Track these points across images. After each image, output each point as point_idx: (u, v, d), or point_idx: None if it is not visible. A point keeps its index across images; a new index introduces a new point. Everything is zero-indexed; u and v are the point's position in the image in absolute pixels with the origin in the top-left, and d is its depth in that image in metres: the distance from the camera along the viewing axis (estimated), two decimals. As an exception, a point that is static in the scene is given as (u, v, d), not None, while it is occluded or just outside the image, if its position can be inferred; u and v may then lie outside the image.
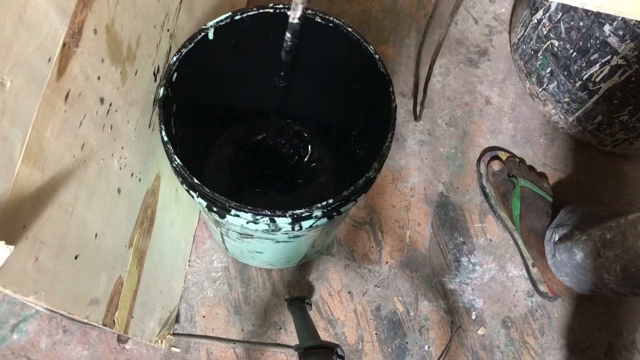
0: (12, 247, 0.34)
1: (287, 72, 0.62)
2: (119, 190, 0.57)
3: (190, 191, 0.57)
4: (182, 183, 0.58)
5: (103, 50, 0.48)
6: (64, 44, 0.41)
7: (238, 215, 0.55)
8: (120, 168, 0.57)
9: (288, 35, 0.55)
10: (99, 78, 0.48)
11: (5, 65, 0.35)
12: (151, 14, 0.58)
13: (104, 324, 0.54)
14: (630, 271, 0.64)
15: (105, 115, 0.51)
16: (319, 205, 0.54)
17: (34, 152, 0.39)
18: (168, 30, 0.64)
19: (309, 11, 0.63)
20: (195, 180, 0.55)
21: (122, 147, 0.57)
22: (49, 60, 0.40)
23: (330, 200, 0.55)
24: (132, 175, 0.60)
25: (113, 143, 0.54)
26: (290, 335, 0.83)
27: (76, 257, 0.47)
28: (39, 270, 0.40)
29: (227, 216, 0.56)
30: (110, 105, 0.52)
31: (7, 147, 0.36)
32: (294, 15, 0.52)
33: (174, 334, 0.81)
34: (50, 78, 0.40)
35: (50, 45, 0.39)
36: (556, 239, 0.78)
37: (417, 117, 0.97)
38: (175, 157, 0.56)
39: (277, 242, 0.66)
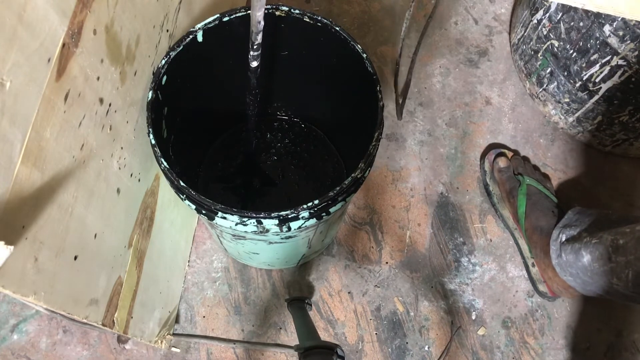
0: (12, 247, 0.34)
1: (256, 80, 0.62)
2: (118, 191, 0.57)
3: (179, 194, 0.57)
4: (171, 186, 0.58)
5: (102, 51, 0.48)
6: (63, 45, 0.41)
7: (225, 218, 0.55)
8: (120, 168, 0.57)
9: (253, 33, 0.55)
10: (98, 78, 0.48)
11: (5, 65, 0.35)
12: (150, 14, 0.58)
13: (103, 324, 0.54)
14: None
15: (105, 115, 0.51)
16: (305, 206, 0.54)
17: (34, 152, 0.39)
18: (167, 31, 0.64)
19: (297, 11, 0.64)
20: (182, 183, 0.55)
21: (122, 148, 0.57)
22: (49, 60, 0.40)
23: (316, 201, 0.54)
24: (131, 175, 0.60)
25: (112, 143, 0.54)
26: (290, 336, 0.83)
27: (75, 258, 0.47)
28: (39, 270, 0.40)
29: (216, 218, 0.56)
30: (110, 105, 0.52)
31: (6, 148, 0.36)
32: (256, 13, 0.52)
33: (174, 334, 0.81)
34: (49, 78, 0.40)
35: (49, 46, 0.39)
36: (563, 239, 0.77)
37: (399, 116, 0.97)
38: (163, 160, 0.56)
39: (270, 243, 0.65)
